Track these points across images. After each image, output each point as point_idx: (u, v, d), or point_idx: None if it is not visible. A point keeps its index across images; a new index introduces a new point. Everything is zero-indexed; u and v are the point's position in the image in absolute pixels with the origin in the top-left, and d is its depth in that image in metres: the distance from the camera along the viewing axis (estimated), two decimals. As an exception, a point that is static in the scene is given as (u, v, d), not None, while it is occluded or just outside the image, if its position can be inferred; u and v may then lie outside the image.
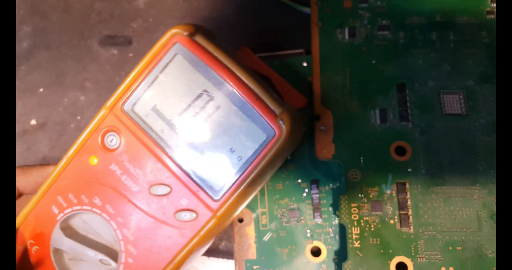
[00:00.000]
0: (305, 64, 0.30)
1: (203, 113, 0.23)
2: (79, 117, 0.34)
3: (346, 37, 0.29)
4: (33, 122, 0.34)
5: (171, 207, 0.23)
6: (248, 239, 0.28)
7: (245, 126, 0.23)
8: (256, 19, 0.33)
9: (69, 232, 0.25)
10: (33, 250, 0.25)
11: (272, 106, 0.23)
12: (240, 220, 0.28)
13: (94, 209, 0.24)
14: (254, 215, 0.28)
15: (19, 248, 0.25)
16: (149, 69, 0.24)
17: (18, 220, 0.25)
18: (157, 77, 0.24)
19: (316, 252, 0.28)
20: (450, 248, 0.26)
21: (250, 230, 0.28)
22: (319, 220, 0.28)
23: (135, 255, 0.23)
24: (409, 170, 0.27)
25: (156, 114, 0.24)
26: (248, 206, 0.28)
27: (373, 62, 0.29)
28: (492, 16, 0.29)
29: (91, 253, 0.24)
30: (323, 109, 0.28)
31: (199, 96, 0.23)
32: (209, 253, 0.30)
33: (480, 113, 0.28)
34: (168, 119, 0.24)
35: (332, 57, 0.29)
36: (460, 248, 0.26)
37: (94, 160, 0.24)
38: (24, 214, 0.25)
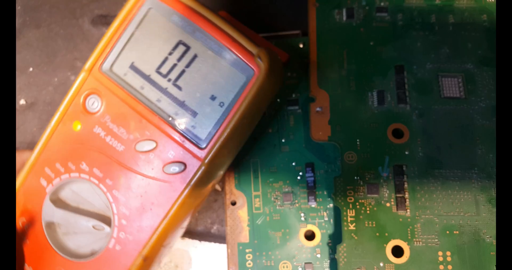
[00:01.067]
0: (301, 45, 0.29)
1: (181, 64, 0.23)
2: (61, 102, 0.33)
3: (344, 18, 0.29)
4: (22, 102, 0.33)
5: (159, 161, 0.23)
6: (240, 222, 0.27)
7: (223, 71, 0.23)
8: None
9: (60, 204, 0.24)
10: (25, 227, 0.24)
11: (249, 46, 0.23)
12: (233, 203, 0.28)
13: (82, 175, 0.23)
14: (247, 198, 0.28)
15: None
16: (123, 27, 0.24)
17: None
18: (132, 34, 0.24)
19: (310, 236, 0.27)
20: (447, 232, 0.25)
21: (243, 213, 0.27)
22: (313, 204, 0.27)
23: (128, 216, 0.23)
24: (406, 153, 0.26)
25: (135, 71, 0.24)
26: (241, 189, 0.28)
27: (371, 43, 0.28)
28: (492, 0, 0.29)
29: (83, 220, 0.24)
30: (320, 90, 0.28)
31: (175, 47, 0.23)
32: (201, 237, 0.29)
33: (479, 96, 0.27)
34: (147, 75, 0.23)
35: (330, 38, 0.28)
36: (457, 232, 0.25)
37: (78, 126, 0.24)
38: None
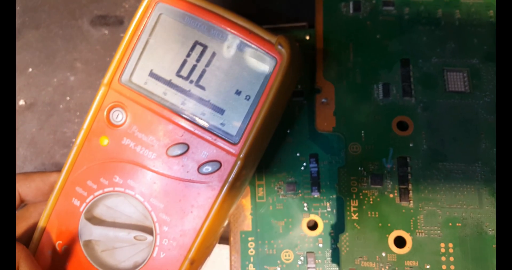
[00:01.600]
0: (307, 37, 0.29)
1: (201, 64, 0.23)
2: (68, 98, 0.33)
3: (351, 11, 0.29)
4: (21, 102, 0.33)
5: (193, 163, 0.23)
6: (244, 210, 0.27)
7: (245, 64, 0.23)
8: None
9: (96, 221, 0.24)
10: (63, 250, 0.24)
11: (267, 36, 0.22)
12: (236, 192, 0.28)
13: (117, 189, 0.23)
14: (250, 187, 0.28)
15: (48, 253, 0.24)
16: (137, 36, 0.24)
17: (41, 224, 0.24)
18: (147, 42, 0.23)
19: (312, 226, 0.27)
20: (450, 224, 0.25)
21: (246, 202, 0.28)
22: (316, 194, 0.27)
23: (169, 222, 0.23)
24: (411, 145, 0.26)
25: (155, 78, 0.23)
26: (245, 178, 0.28)
27: (378, 37, 0.28)
28: (499, -4, 0.29)
29: (124, 233, 0.23)
30: (325, 82, 0.28)
31: (192, 48, 0.23)
32: None
33: (484, 91, 0.27)
34: (168, 80, 0.23)
35: (336, 31, 0.29)
36: (460, 224, 0.25)
37: (105, 141, 0.24)
38: (45, 217, 0.24)
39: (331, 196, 0.27)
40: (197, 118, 0.23)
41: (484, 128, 0.27)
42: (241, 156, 0.22)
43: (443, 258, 0.25)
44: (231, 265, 0.27)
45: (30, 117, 0.33)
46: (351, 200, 0.26)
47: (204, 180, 0.23)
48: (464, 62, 0.28)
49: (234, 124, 0.23)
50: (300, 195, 0.27)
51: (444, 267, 0.25)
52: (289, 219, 0.27)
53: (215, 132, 0.23)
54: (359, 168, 0.26)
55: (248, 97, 0.23)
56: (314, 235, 0.27)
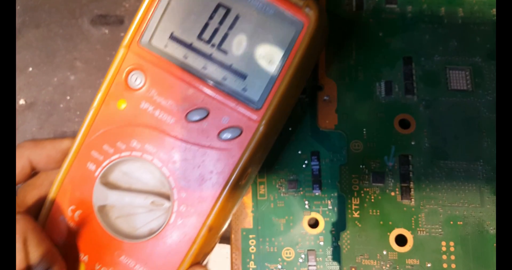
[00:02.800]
0: (310, 35, 0.29)
1: (223, 27, 0.22)
2: (68, 97, 0.33)
3: (353, 8, 0.29)
4: (21, 101, 0.33)
5: (213, 129, 0.22)
6: (245, 208, 0.27)
7: (270, 27, 0.22)
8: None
9: (111, 187, 0.23)
10: (76, 215, 0.23)
11: None
12: (238, 189, 0.28)
13: (134, 153, 0.23)
14: (252, 184, 0.28)
15: (60, 218, 0.23)
16: None
17: (53, 189, 0.23)
18: (168, 3, 0.23)
19: (313, 224, 0.27)
20: (451, 222, 0.25)
21: (247, 199, 0.28)
22: (317, 192, 0.27)
23: (187, 188, 0.22)
24: (412, 143, 0.26)
25: (175, 41, 0.23)
26: (246, 176, 0.28)
27: (380, 34, 0.28)
28: (502, -6, 0.29)
29: (141, 197, 0.23)
30: (327, 79, 0.28)
31: (215, 10, 0.22)
32: None
33: (487, 90, 0.27)
34: (189, 43, 0.23)
35: (339, 28, 0.29)
36: (461, 223, 0.25)
37: (123, 104, 0.23)
38: (58, 181, 0.23)
39: (332, 194, 0.27)
40: (218, 83, 0.22)
41: (486, 127, 0.26)
42: (263, 122, 0.22)
43: (444, 257, 0.25)
44: (232, 262, 0.27)
45: (30, 117, 0.33)
46: (353, 198, 0.26)
47: (224, 146, 0.22)
48: (466, 61, 0.28)
49: (256, 89, 0.22)
50: (302, 192, 0.27)
51: (445, 265, 0.25)
52: (290, 216, 0.27)
53: (236, 97, 0.22)
54: (361, 166, 0.26)
55: (272, 62, 0.22)
56: (315, 233, 0.27)
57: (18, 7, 0.34)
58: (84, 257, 0.23)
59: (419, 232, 0.25)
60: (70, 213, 0.23)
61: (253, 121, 0.22)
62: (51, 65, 0.33)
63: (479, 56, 0.28)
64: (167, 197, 0.23)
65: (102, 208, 0.23)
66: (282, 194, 0.27)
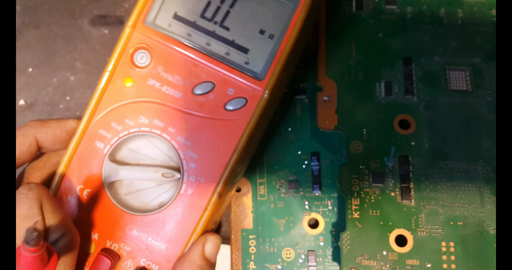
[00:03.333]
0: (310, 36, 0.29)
1: (225, 5, 0.23)
2: (68, 98, 0.33)
3: (353, 9, 0.29)
4: (21, 102, 0.33)
5: (220, 100, 0.23)
6: (245, 208, 0.27)
7: (269, 3, 0.23)
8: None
9: (121, 164, 0.24)
10: (85, 194, 0.24)
11: None
12: (238, 190, 0.28)
13: (142, 129, 0.23)
14: (252, 185, 0.28)
15: (67, 198, 0.24)
16: None
17: (60, 170, 0.24)
18: None
19: (313, 225, 0.27)
20: (451, 223, 0.25)
21: (247, 200, 0.28)
22: (317, 192, 0.27)
23: (196, 159, 0.23)
24: (412, 143, 0.26)
25: (179, 20, 0.23)
26: (246, 176, 0.28)
27: (380, 35, 0.28)
28: (501, -5, 0.29)
29: (151, 171, 0.23)
30: (327, 80, 0.28)
31: None
32: None
33: (486, 90, 0.27)
34: (192, 21, 0.23)
35: (338, 29, 0.29)
36: (461, 223, 0.25)
37: (129, 82, 0.24)
38: (65, 161, 0.24)
39: (332, 195, 0.27)
40: (222, 57, 0.23)
41: (486, 127, 0.27)
42: (266, 91, 0.23)
43: (444, 257, 0.25)
44: (232, 263, 0.27)
45: (30, 117, 0.33)
46: (353, 199, 0.26)
47: (230, 117, 0.23)
48: (466, 61, 0.28)
49: (258, 62, 0.23)
50: (302, 193, 0.27)
51: (445, 266, 0.25)
52: (290, 217, 0.27)
53: (240, 70, 0.23)
54: (361, 167, 0.26)
55: (272, 36, 0.23)
56: (315, 233, 0.27)
57: (18, 8, 0.34)
58: (94, 235, 0.23)
59: (419, 232, 0.25)
60: (78, 192, 0.24)
61: (257, 91, 0.23)
62: (51, 66, 0.33)
63: (479, 56, 0.28)
64: (176, 169, 0.23)
65: (111, 186, 0.24)
66: (282, 195, 0.27)
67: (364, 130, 0.27)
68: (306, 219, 0.27)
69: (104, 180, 0.23)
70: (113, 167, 0.23)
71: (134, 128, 0.23)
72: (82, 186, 0.24)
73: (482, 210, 0.25)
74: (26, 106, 0.33)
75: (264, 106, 0.23)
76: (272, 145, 0.28)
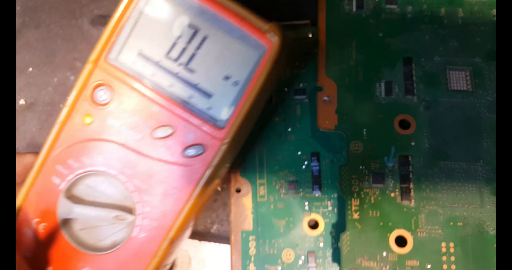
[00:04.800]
0: (310, 35, 0.29)
1: (191, 47, 0.23)
2: (68, 97, 0.33)
3: (354, 9, 0.29)
4: (21, 102, 0.33)
5: (178, 146, 0.23)
6: (245, 209, 0.27)
7: (235, 50, 0.22)
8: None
9: (75, 200, 0.24)
10: (41, 228, 0.24)
11: (259, 23, 0.22)
12: (238, 191, 0.28)
13: (99, 168, 0.23)
14: (251, 186, 0.28)
15: (24, 230, 0.24)
16: (128, 14, 0.23)
17: (18, 201, 0.24)
18: (137, 21, 0.23)
19: (313, 225, 0.27)
20: (451, 223, 0.25)
21: (247, 201, 0.27)
22: (317, 193, 0.27)
23: (151, 203, 0.23)
24: (412, 143, 0.26)
25: (143, 58, 0.23)
26: (246, 177, 0.28)
27: (380, 35, 0.28)
28: (502, -6, 0.29)
29: (104, 212, 0.23)
30: (328, 79, 0.28)
31: (184, 30, 0.23)
32: (201, 237, 0.29)
33: (487, 90, 0.27)
34: (157, 61, 0.23)
35: (339, 29, 0.28)
36: (461, 224, 0.25)
37: (88, 119, 0.23)
38: (23, 194, 0.24)
39: (332, 195, 0.27)
40: (184, 101, 0.23)
41: (486, 127, 0.26)
42: (225, 140, 0.23)
43: (444, 258, 0.25)
44: (231, 264, 0.27)
45: (30, 117, 0.33)
46: (352, 199, 0.26)
47: (188, 163, 0.23)
48: (466, 61, 0.28)
49: (221, 109, 0.23)
50: (301, 194, 0.27)
51: (445, 266, 0.25)
52: (290, 218, 0.27)
53: (201, 116, 0.23)
54: (361, 167, 0.26)
55: (236, 83, 0.23)
56: (315, 234, 0.27)
57: (18, 8, 0.34)
58: (48, 269, 0.24)
59: (419, 233, 0.25)
60: (34, 225, 0.24)
61: (216, 139, 0.23)
62: (51, 66, 0.33)
63: (479, 56, 0.28)
64: (130, 210, 0.23)
65: (66, 221, 0.24)
66: (282, 195, 0.27)
67: (364, 130, 0.27)
68: (306, 220, 0.27)
69: (59, 216, 0.23)
70: (67, 204, 0.23)
71: (90, 167, 0.23)
72: (38, 219, 0.24)
73: (482, 210, 0.25)
74: (26, 106, 0.33)
75: (223, 155, 0.23)
76: (272, 145, 0.28)
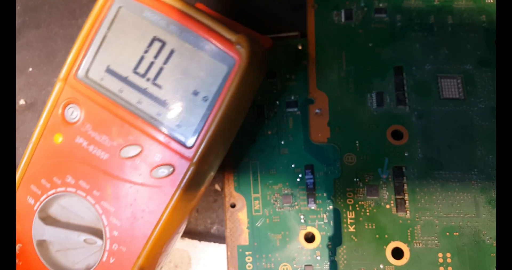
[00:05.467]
0: (300, 47, 0.29)
1: (158, 61, 0.22)
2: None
3: (343, 19, 0.29)
4: (21, 102, 0.33)
5: (146, 166, 0.22)
6: (240, 224, 0.27)
7: (203, 63, 0.22)
8: (251, 0, 0.32)
9: (50, 221, 0.24)
10: (17, 248, 0.23)
11: (227, 34, 0.22)
12: (233, 206, 0.28)
13: (68, 189, 0.23)
14: (246, 200, 0.28)
15: None
16: (94, 29, 0.23)
17: None
18: (105, 36, 0.23)
19: (309, 239, 0.27)
20: (447, 233, 0.25)
21: (242, 216, 0.27)
22: (313, 206, 0.27)
23: (119, 227, 0.22)
24: (406, 154, 0.26)
25: (111, 74, 0.23)
26: (240, 191, 0.28)
27: (370, 45, 0.28)
28: (491, 0, 0.28)
29: (74, 235, 0.23)
30: (319, 92, 0.28)
31: (151, 44, 0.22)
32: (201, 237, 0.29)
33: (479, 97, 0.27)
34: (125, 77, 0.22)
35: (328, 40, 0.28)
36: (457, 233, 0.25)
37: (59, 138, 0.23)
38: None
39: (327, 208, 0.27)
40: (152, 119, 0.22)
41: (479, 135, 0.26)
42: (194, 160, 0.22)
43: (441, 269, 0.25)
44: (228, 281, 0.27)
45: (30, 117, 0.33)
46: (348, 212, 0.26)
47: (156, 184, 0.22)
48: (457, 68, 0.28)
49: (189, 126, 0.22)
50: (297, 207, 0.27)
51: (442, 277, 0.25)
52: (286, 231, 0.27)
53: (169, 134, 0.22)
54: (355, 179, 0.26)
55: (205, 98, 0.22)
56: (311, 247, 0.26)
57: (18, 8, 0.34)
58: None
59: (415, 244, 0.25)
60: None
61: (185, 159, 0.22)
62: (51, 65, 0.33)
63: (470, 63, 0.28)
64: (102, 233, 0.23)
65: (42, 242, 0.23)
66: (277, 209, 0.27)
67: (357, 142, 0.27)
68: (302, 233, 0.27)
69: (33, 237, 0.23)
70: (41, 226, 0.23)
71: (61, 187, 0.23)
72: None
73: (478, 219, 0.25)
74: (26, 106, 0.33)
75: (192, 175, 0.22)
76: (265, 159, 0.28)
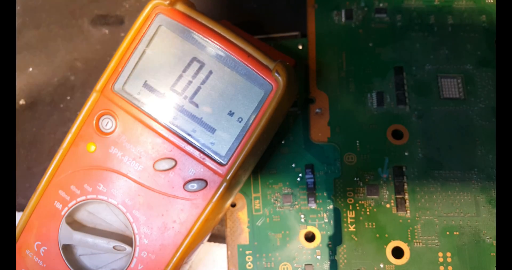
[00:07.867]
0: (300, 47, 0.29)
1: (196, 81, 0.23)
2: (68, 97, 0.33)
3: (343, 19, 0.29)
4: (22, 102, 0.33)
5: (179, 179, 0.23)
6: (240, 224, 0.27)
7: (241, 86, 0.22)
8: (251, 0, 0.32)
9: (76, 226, 0.24)
10: (41, 251, 0.24)
11: (265, 61, 0.22)
12: (233, 205, 0.28)
13: (100, 196, 0.23)
14: (247, 200, 0.28)
15: (25, 252, 0.24)
16: (134, 45, 0.23)
17: (20, 224, 0.24)
18: (143, 52, 0.23)
19: (310, 238, 0.27)
20: (448, 233, 0.25)
21: (242, 215, 0.27)
22: (313, 205, 0.27)
23: (149, 235, 0.23)
24: (406, 154, 0.26)
25: (148, 90, 0.23)
26: (241, 191, 0.28)
27: (370, 45, 0.28)
28: (491, 1, 0.29)
29: (103, 241, 0.23)
30: (319, 92, 0.28)
31: (190, 64, 0.23)
32: None
33: (479, 97, 0.27)
34: (162, 93, 0.23)
35: (328, 40, 0.29)
36: (457, 233, 0.25)
37: (92, 147, 0.23)
38: (25, 217, 0.24)
39: (327, 207, 0.27)
40: (187, 135, 0.23)
41: (479, 135, 0.26)
42: (227, 177, 0.22)
43: (441, 268, 0.25)
44: (229, 280, 0.27)
45: (30, 117, 0.33)
46: (348, 211, 0.26)
47: (188, 197, 0.23)
48: (458, 68, 0.28)
49: (224, 144, 0.23)
50: (297, 206, 0.27)
51: (442, 277, 0.25)
52: (286, 231, 0.27)
53: (204, 151, 0.23)
54: (355, 179, 0.26)
55: (240, 120, 0.22)
56: (312, 247, 0.27)
57: (18, 8, 0.34)
58: None
59: (415, 243, 0.25)
60: (36, 249, 0.24)
61: (218, 175, 0.23)
62: (51, 65, 0.33)
63: (470, 63, 0.28)
64: (130, 240, 0.23)
65: (67, 246, 0.24)
66: (277, 209, 0.27)
67: (357, 141, 0.27)
68: (302, 232, 0.27)
69: (59, 241, 0.23)
70: (68, 231, 0.23)
71: (92, 195, 0.23)
72: (39, 243, 0.24)
73: (478, 219, 0.25)
74: (26, 106, 0.33)
75: (224, 191, 0.22)
76: (265, 158, 0.28)
